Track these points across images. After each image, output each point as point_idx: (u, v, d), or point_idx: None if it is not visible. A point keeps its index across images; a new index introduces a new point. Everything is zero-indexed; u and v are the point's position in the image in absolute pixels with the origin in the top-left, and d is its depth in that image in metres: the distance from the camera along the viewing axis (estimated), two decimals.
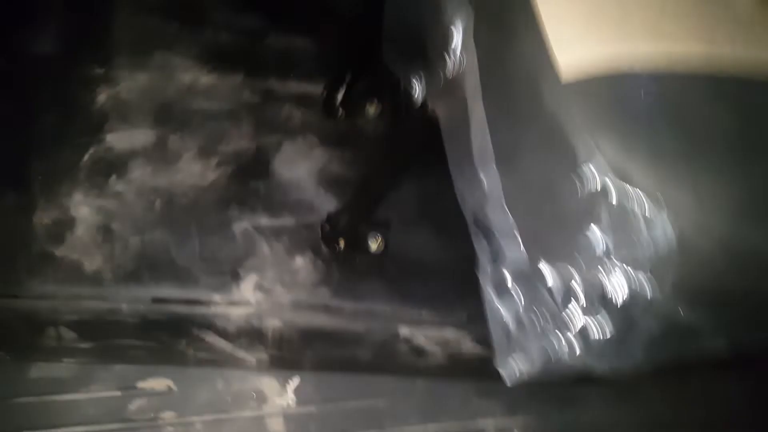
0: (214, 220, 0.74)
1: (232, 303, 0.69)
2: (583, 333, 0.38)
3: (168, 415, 0.66)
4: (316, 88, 0.86)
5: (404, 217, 0.75)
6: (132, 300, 0.67)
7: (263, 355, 0.71)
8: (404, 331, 0.73)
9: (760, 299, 0.37)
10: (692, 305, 0.35)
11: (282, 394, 0.70)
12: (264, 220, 0.76)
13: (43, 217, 0.70)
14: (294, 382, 0.71)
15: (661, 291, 0.33)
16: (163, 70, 0.84)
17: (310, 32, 0.89)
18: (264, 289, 0.70)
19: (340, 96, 0.83)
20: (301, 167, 0.79)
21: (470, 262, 0.73)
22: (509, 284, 0.38)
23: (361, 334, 0.72)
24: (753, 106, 0.35)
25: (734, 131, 0.34)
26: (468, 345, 0.73)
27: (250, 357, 0.71)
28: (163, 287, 0.68)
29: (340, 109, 0.84)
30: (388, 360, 0.73)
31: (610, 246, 0.32)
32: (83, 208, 0.72)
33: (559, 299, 0.36)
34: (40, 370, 0.66)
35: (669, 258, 0.31)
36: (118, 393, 0.66)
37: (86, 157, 0.75)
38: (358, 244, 0.76)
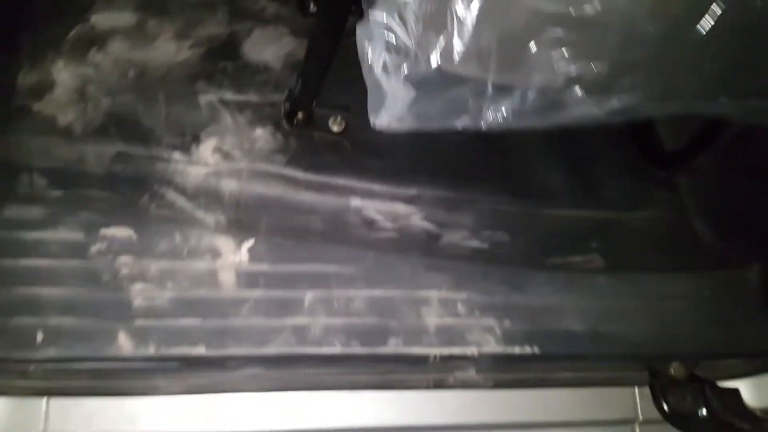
0: (181, 91, 0.78)
1: (192, 162, 0.73)
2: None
3: (125, 258, 0.70)
4: None
5: (364, 102, 0.78)
6: (98, 153, 0.72)
7: (221, 217, 0.75)
8: (356, 202, 0.75)
9: None
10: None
11: (236, 252, 0.74)
12: (229, 95, 0.79)
13: (27, 78, 0.75)
14: (249, 243, 0.75)
15: None
16: None
17: None
18: (223, 153, 0.74)
19: None
20: (269, 51, 0.83)
21: (422, 144, 0.76)
22: (377, 30, 0.40)
23: (314, 204, 0.75)
24: None
25: None
26: (417, 220, 0.76)
27: (208, 217, 0.74)
28: (128, 143, 0.73)
29: (311, 4, 0.87)
30: (339, 230, 0.76)
31: None
32: (63, 73, 0.77)
33: (411, 33, 0.38)
34: (12, 211, 0.71)
35: None
36: (81, 236, 0.71)
37: (72, 33, 0.81)
38: (319, 124, 0.79)
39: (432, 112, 0.43)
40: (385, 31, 0.39)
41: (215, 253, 0.74)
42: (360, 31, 0.41)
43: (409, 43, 0.38)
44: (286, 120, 0.78)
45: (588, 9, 0.36)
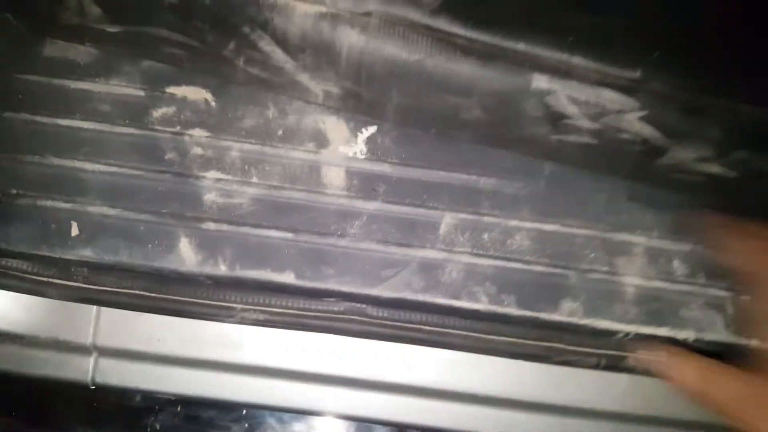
0: None
1: None
2: None
3: (198, 132, 0.49)
4: None
5: None
6: None
7: (333, 87, 0.50)
8: (540, 82, 0.47)
9: None
10: None
11: (350, 143, 0.50)
12: None
13: None
14: (369, 131, 0.50)
15: None
16: None
17: None
18: None
19: None
20: None
21: None
22: None
23: (473, 78, 0.48)
24: None
25: None
26: (634, 122, 0.47)
27: (315, 85, 0.50)
28: None
29: None
30: (507, 124, 0.49)
31: None
32: None
33: None
34: (55, 49, 0.50)
35: None
36: (141, 93, 0.50)
37: None
38: None
39: None
40: None
41: (321, 140, 0.50)
42: None
43: None
44: None
45: None
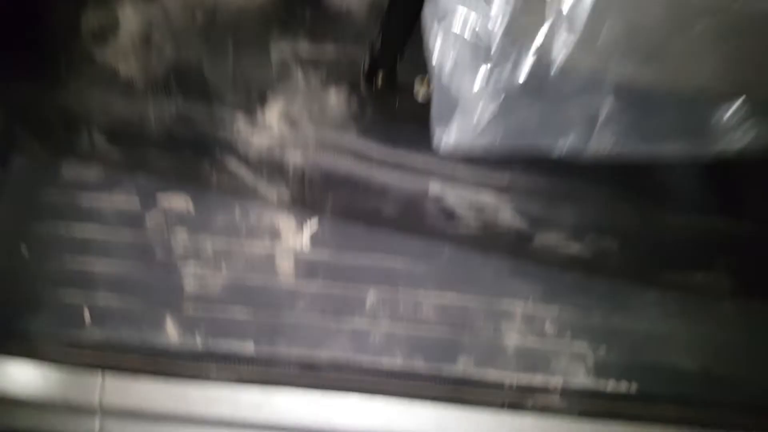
0: (252, 42, 0.67)
1: (256, 129, 0.63)
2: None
3: (180, 233, 0.63)
4: None
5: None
6: (159, 110, 0.63)
7: (284, 192, 0.65)
8: (436, 188, 0.62)
9: None
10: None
11: (297, 235, 0.65)
12: (304, 48, 0.67)
13: (91, 19, 0.67)
14: (312, 225, 0.65)
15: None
16: None
17: None
18: (290, 119, 0.63)
19: None
20: None
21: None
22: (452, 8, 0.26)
23: (387, 185, 0.63)
24: None
25: None
26: (507, 215, 0.62)
27: (270, 192, 0.65)
28: (190, 102, 0.63)
29: None
30: (413, 219, 0.64)
31: None
32: (129, 14, 0.68)
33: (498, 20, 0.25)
34: (70, 170, 0.65)
35: None
36: (137, 203, 0.64)
37: None
38: (402, 86, 0.65)
39: (518, 133, 0.29)
40: (463, 12, 0.25)
41: (275, 234, 0.65)
42: (429, 7, 0.27)
43: (495, 28, 0.24)
44: (364, 80, 0.64)
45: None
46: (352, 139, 0.63)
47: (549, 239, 0.62)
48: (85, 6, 0.67)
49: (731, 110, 0.30)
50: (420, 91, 0.64)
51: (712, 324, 0.62)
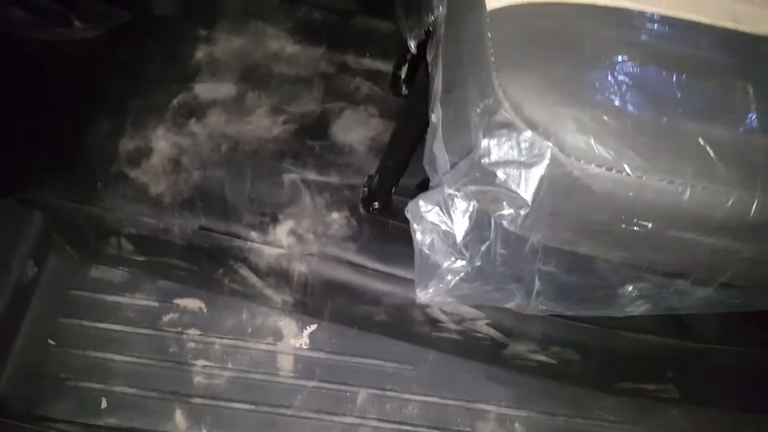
0: (268, 169, 0.79)
1: (267, 242, 0.73)
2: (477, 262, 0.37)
3: (193, 332, 0.71)
4: (387, 67, 0.90)
5: None
6: (183, 225, 0.73)
7: (287, 298, 0.74)
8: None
9: None
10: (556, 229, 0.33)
11: (298, 336, 0.73)
12: (312, 175, 0.79)
13: (128, 144, 0.79)
14: (311, 328, 0.74)
15: (535, 216, 0.31)
16: (256, 37, 0.91)
17: (392, 17, 0.93)
18: (297, 236, 0.73)
19: (403, 74, 0.85)
20: (356, 133, 0.82)
21: None
22: (427, 216, 0.37)
23: (379, 295, 0.72)
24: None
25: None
26: (483, 325, 0.71)
27: (275, 296, 0.74)
28: (211, 218, 0.74)
29: (404, 86, 0.86)
30: (403, 324, 0.73)
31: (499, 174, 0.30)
32: (162, 142, 0.79)
33: (459, 222, 0.35)
34: (98, 272, 0.74)
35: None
36: (156, 304, 0.73)
37: (175, 101, 0.84)
38: (395, 211, 0.77)
39: (478, 295, 0.40)
40: (434, 221, 0.37)
41: (278, 335, 0.73)
42: (410, 207, 0.39)
43: (455, 237, 0.36)
44: (362, 206, 0.76)
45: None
46: (350, 253, 0.73)
47: (520, 348, 0.71)
48: (123, 134, 0.79)
49: (633, 286, 0.40)
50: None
51: (662, 428, 0.70)
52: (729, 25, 0.33)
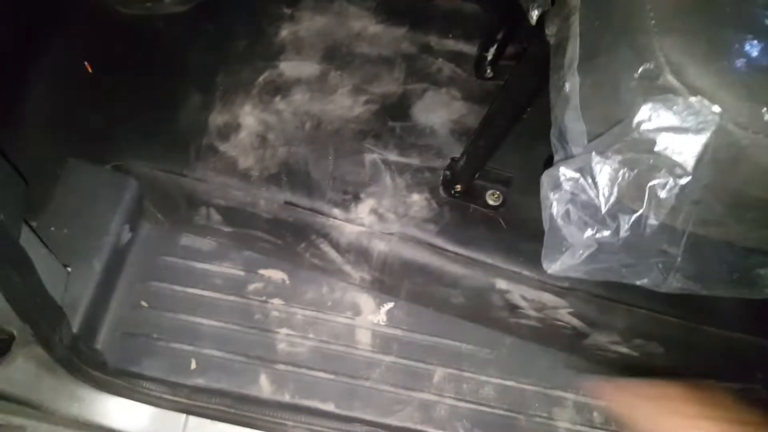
0: (350, 148, 0.80)
1: (348, 220, 0.75)
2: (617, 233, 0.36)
3: (276, 301, 0.74)
4: (470, 48, 0.89)
5: (526, 178, 0.75)
6: (269, 198, 0.76)
7: (366, 275, 0.76)
8: (501, 284, 0.72)
9: None
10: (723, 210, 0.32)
11: (375, 313, 0.75)
12: (393, 156, 0.80)
13: (217, 118, 0.82)
14: (388, 305, 0.75)
15: (694, 186, 0.30)
16: (339, 16, 0.93)
17: None
18: (378, 214, 0.75)
19: (490, 55, 0.85)
20: (437, 115, 0.82)
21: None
22: (566, 184, 0.37)
23: (458, 277, 0.73)
24: None
25: None
26: (565, 314, 0.71)
27: (354, 273, 0.76)
28: (296, 194, 0.76)
29: (489, 69, 0.86)
30: (480, 309, 0.74)
31: (656, 140, 0.30)
32: (249, 118, 0.82)
33: (606, 191, 0.35)
34: (188, 240, 0.77)
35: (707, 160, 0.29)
36: (242, 273, 0.76)
37: (261, 78, 0.86)
38: (476, 195, 0.77)
39: (611, 269, 0.39)
40: (574, 190, 0.36)
41: (356, 310, 0.75)
42: (546, 177, 0.39)
43: (600, 207, 0.35)
44: (443, 189, 0.77)
45: None
46: (430, 235, 0.74)
47: (602, 339, 0.71)
48: (212, 108, 0.83)
49: None
50: (491, 199, 0.76)
51: None
52: None
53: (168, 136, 0.80)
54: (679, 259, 0.36)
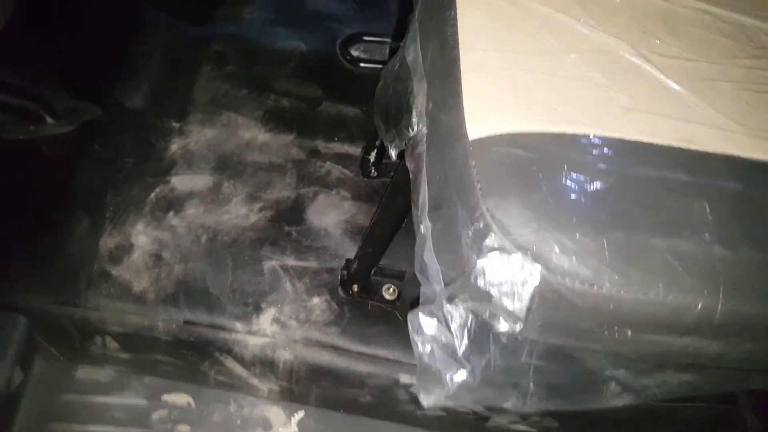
0: (248, 257, 0.83)
1: (251, 332, 0.76)
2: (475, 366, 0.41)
3: (183, 428, 0.74)
4: (355, 150, 0.96)
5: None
6: (167, 320, 0.76)
7: (274, 386, 0.77)
8: (405, 378, 0.76)
9: None
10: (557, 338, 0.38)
11: (286, 425, 0.76)
12: (291, 261, 0.83)
13: (108, 241, 0.82)
14: (299, 414, 0.77)
15: (528, 329, 0.36)
16: (228, 127, 0.97)
17: (358, 103, 1.01)
18: (280, 323, 0.77)
19: (372, 158, 0.92)
20: (330, 217, 0.87)
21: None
22: (426, 329, 0.42)
23: (364, 377, 0.76)
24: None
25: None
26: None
27: (262, 385, 0.78)
28: (195, 311, 0.77)
29: (372, 169, 0.93)
30: (387, 405, 0.77)
31: (493, 291, 0.36)
32: (142, 237, 0.83)
33: (459, 335, 0.40)
34: (85, 372, 0.76)
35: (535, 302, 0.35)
36: (144, 402, 0.75)
37: (152, 194, 0.88)
38: (373, 291, 0.82)
39: (480, 399, 0.45)
40: (435, 333, 0.42)
41: (266, 425, 0.76)
42: (411, 319, 0.44)
43: (456, 350, 0.40)
44: (341, 289, 0.81)
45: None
46: (333, 337, 0.77)
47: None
48: (102, 231, 0.83)
49: (614, 379, 0.46)
50: (387, 293, 0.81)
51: None
52: (683, 145, 0.40)
53: (56, 266, 0.79)
54: (531, 386, 0.42)
